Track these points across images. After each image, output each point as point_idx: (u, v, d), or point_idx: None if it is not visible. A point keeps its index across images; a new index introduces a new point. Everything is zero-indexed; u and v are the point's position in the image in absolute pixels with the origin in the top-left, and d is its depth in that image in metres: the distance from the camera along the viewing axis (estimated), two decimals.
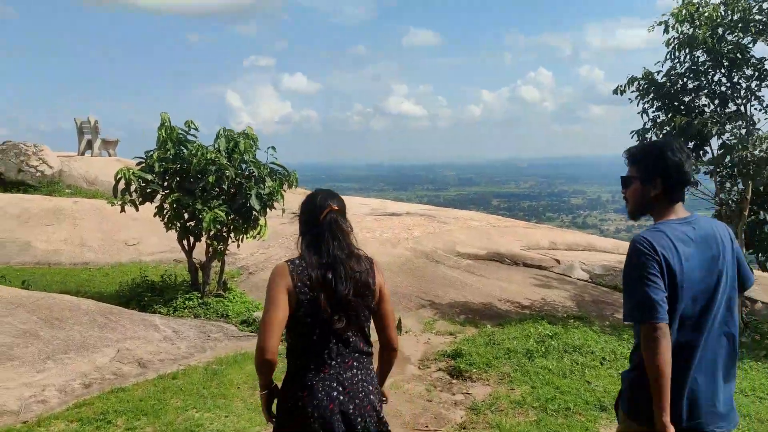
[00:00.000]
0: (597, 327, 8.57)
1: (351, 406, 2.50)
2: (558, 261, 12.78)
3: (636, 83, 9.15)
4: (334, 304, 2.52)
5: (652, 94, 9.03)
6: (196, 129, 8.62)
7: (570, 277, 12.37)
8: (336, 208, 2.69)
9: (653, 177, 2.52)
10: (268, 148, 8.66)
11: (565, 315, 9.66)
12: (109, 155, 20.54)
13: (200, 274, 8.90)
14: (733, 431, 2.54)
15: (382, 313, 2.69)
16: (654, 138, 9.28)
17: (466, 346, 7.33)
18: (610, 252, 14.57)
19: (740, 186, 9.16)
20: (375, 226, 13.70)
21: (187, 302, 8.53)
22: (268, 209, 8.57)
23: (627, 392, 2.54)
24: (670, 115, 8.94)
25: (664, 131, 8.97)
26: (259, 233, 8.66)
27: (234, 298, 8.91)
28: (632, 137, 9.54)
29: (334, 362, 2.53)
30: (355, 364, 2.58)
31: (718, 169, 8.92)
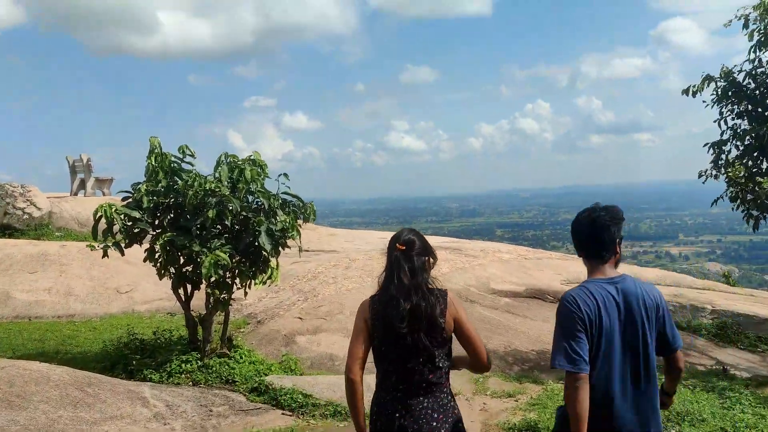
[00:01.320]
0: (692, 381, 6.94)
1: (410, 430, 2.68)
2: None
3: (712, 84, 7.69)
4: (391, 335, 2.72)
5: (732, 98, 7.56)
6: (192, 155, 7.13)
7: None
8: (402, 247, 2.82)
9: (575, 244, 2.92)
10: (279, 176, 7.16)
11: None
12: (104, 194, 19.11)
13: (200, 329, 7.31)
14: None
15: (465, 340, 2.80)
16: (733, 150, 7.80)
17: (538, 415, 5.73)
18: (656, 283, 12.99)
19: None
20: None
21: (184, 365, 6.91)
22: (280, 248, 7.03)
23: (558, 427, 2.86)
24: (754, 124, 7.46)
25: (746, 143, 7.47)
26: (269, 277, 7.11)
27: (241, 357, 7.30)
28: (708, 151, 8.05)
29: (402, 386, 2.73)
30: (421, 392, 2.73)
31: None
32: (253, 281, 7.15)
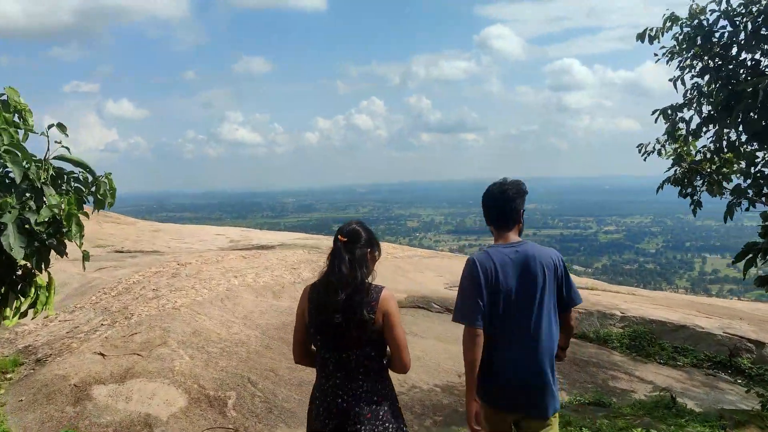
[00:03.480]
0: (646, 419, 4.97)
1: (351, 413, 2.70)
2: None
3: (676, 26, 5.78)
4: (325, 326, 2.74)
5: (698, 47, 5.68)
6: None
7: None
8: (343, 239, 2.79)
9: (484, 214, 3.16)
10: (49, 127, 4.03)
11: (580, 399, 6.00)
12: None
13: None
14: (552, 416, 3.02)
15: (389, 340, 2.78)
16: (694, 115, 5.99)
17: None
18: None
19: None
20: (244, 267, 9.21)
21: None
22: (51, 254, 3.93)
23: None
24: (721, 82, 5.63)
25: (719, 106, 5.61)
26: (33, 305, 3.98)
27: None
28: (657, 119, 6.17)
29: (340, 373, 2.75)
30: (360, 377, 2.75)
31: None
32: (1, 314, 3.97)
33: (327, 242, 12.49)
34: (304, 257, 10.21)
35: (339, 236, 2.80)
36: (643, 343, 8.45)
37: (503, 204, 3.06)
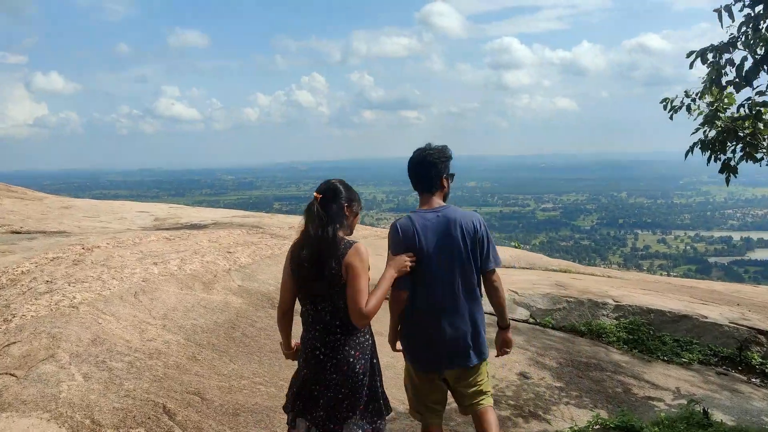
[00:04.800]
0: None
1: (329, 364, 2.79)
2: None
3: None
4: (302, 280, 2.86)
5: None
6: None
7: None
8: (317, 195, 2.86)
9: (410, 179, 3.26)
10: None
11: (602, 422, 4.65)
12: None
13: None
14: (477, 364, 3.18)
15: (348, 289, 2.77)
16: (747, 56, 4.62)
17: None
18: (524, 268, 9.95)
19: None
20: (167, 251, 7.43)
21: None
22: None
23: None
24: None
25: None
26: None
27: None
28: (694, 63, 4.78)
29: (318, 326, 2.85)
30: (338, 330, 2.81)
31: None
32: None
33: (269, 221, 10.78)
34: (242, 239, 8.49)
35: (315, 193, 2.85)
36: (643, 337, 7.20)
37: (426, 169, 3.16)
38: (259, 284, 6.90)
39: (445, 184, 3.23)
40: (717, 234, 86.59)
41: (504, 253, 10.73)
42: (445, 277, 3.05)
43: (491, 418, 3.23)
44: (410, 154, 3.32)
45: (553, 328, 7.37)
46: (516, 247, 16.78)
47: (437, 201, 3.18)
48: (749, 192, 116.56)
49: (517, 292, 7.69)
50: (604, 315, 7.52)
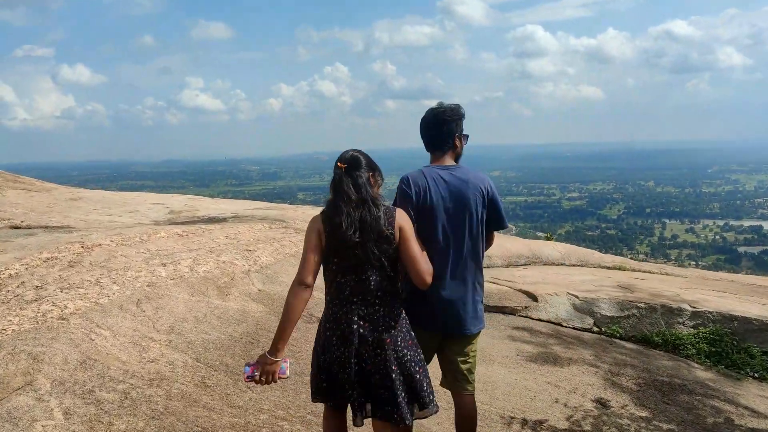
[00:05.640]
0: None
1: (371, 338, 2.60)
2: (531, 295, 6.69)
3: None
4: (342, 247, 2.61)
5: None
6: None
7: (567, 326, 6.35)
8: (341, 165, 2.73)
9: (422, 137, 3.18)
10: None
11: None
12: None
13: None
14: (475, 334, 3.09)
15: (404, 254, 2.69)
16: None
17: None
18: (575, 265, 8.88)
19: None
20: (178, 249, 6.49)
21: None
22: None
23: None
24: None
25: None
26: None
27: None
28: None
29: (356, 298, 2.64)
30: (377, 301, 2.65)
31: None
32: None
33: (293, 213, 9.81)
34: (264, 234, 7.52)
35: (338, 163, 2.74)
36: (727, 350, 6.12)
37: (438, 126, 3.08)
38: (282, 288, 5.94)
39: (458, 143, 3.15)
40: (747, 223, 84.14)
41: (551, 248, 9.64)
42: (453, 238, 2.97)
43: (474, 410, 3.19)
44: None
45: (621, 338, 6.32)
46: (548, 239, 15.69)
47: (449, 160, 3.12)
48: None
49: (577, 296, 6.62)
50: (679, 323, 6.43)
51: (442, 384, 3.24)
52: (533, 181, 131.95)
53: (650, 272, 9.52)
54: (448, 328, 3.02)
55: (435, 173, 3.01)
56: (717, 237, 78.42)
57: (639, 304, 6.48)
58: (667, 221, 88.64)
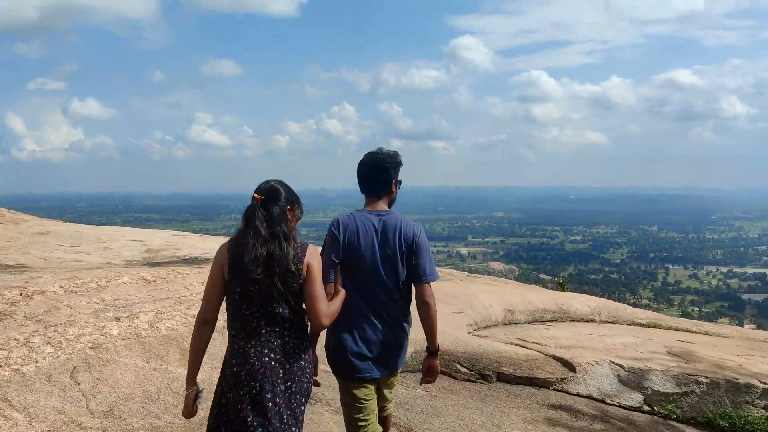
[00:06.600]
0: None
1: (281, 371, 2.52)
2: (567, 363, 5.46)
3: None
4: (248, 282, 2.54)
5: None
6: None
7: (612, 403, 5.11)
8: (258, 197, 2.65)
9: (359, 182, 3.12)
10: None
11: None
12: None
13: None
14: (399, 372, 3.17)
15: (306, 291, 2.60)
16: None
17: None
18: (606, 322, 7.67)
19: None
20: (140, 298, 5.28)
21: None
22: None
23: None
24: None
25: None
26: None
27: None
28: None
29: (264, 330, 2.55)
30: (285, 333, 2.58)
31: None
32: None
33: None
34: None
35: (255, 195, 2.67)
36: None
37: (375, 172, 3.07)
38: None
39: (394, 189, 3.15)
40: (750, 270, 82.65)
41: (580, 302, 8.41)
42: (379, 282, 2.97)
43: (389, 424, 3.28)
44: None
45: (678, 420, 5.07)
46: (561, 285, 14.40)
47: (382, 205, 3.11)
48: None
49: (623, 366, 5.40)
50: (748, 402, 5.20)
51: None
52: (537, 223, 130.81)
53: (689, 330, 8.30)
54: (382, 368, 3.00)
55: (365, 218, 3.02)
56: (720, 284, 76.92)
57: (699, 378, 5.25)
58: (671, 266, 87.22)
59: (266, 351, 2.52)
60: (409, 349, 5.25)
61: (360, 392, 2.94)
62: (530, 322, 7.30)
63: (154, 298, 5.28)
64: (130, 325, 4.64)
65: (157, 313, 4.91)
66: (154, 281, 5.69)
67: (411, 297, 3.07)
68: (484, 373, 5.16)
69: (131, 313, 4.85)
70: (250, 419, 2.45)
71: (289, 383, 2.53)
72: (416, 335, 5.34)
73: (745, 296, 68.56)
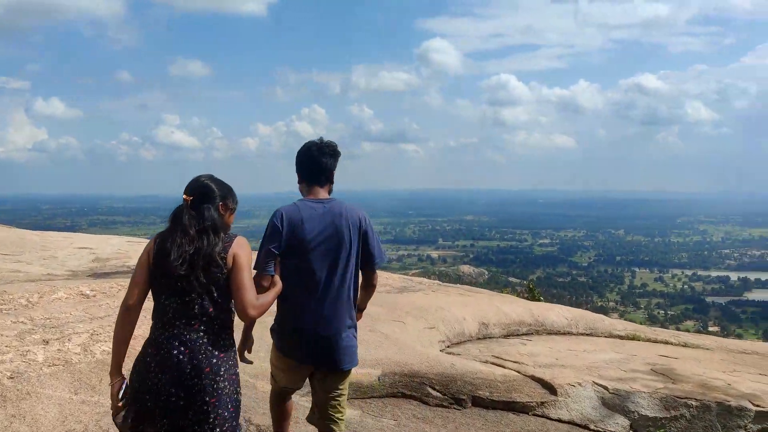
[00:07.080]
0: None
1: (189, 367, 2.42)
2: (547, 385, 5.03)
3: None
4: (169, 275, 2.48)
5: None
6: None
7: (596, 429, 4.70)
8: (187, 198, 2.60)
9: (297, 170, 3.12)
10: None
11: None
12: None
13: None
14: (345, 371, 2.99)
15: (232, 281, 2.50)
16: None
17: None
18: (583, 334, 7.28)
19: None
20: (75, 317, 4.68)
21: None
22: None
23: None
24: None
25: None
26: None
27: None
28: None
29: (179, 321, 2.47)
30: (202, 327, 2.48)
31: None
32: None
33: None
34: None
35: (184, 195, 2.61)
36: None
37: (318, 160, 3.05)
38: None
39: (333, 179, 3.13)
40: (714, 273, 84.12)
41: (556, 313, 8.01)
42: (327, 272, 2.91)
43: None
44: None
45: None
46: (531, 291, 13.85)
47: (324, 193, 3.07)
48: (746, 232, 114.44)
49: (607, 388, 4.99)
50: (740, 427, 4.84)
51: (308, 419, 3.19)
52: (506, 226, 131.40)
53: (668, 342, 7.98)
54: (320, 363, 2.95)
55: (310, 206, 2.98)
56: (685, 286, 78.10)
57: (688, 402, 4.87)
58: (637, 270, 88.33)
59: (176, 344, 2.43)
60: (376, 372, 4.81)
61: (288, 363, 2.97)
62: (505, 336, 6.88)
63: (91, 316, 4.69)
64: (59, 349, 4.06)
65: (92, 335, 4.33)
66: (94, 296, 5.10)
67: (358, 284, 3.02)
68: (458, 397, 4.69)
69: (62, 334, 4.27)
70: (150, 405, 2.40)
71: (196, 380, 2.41)
72: (382, 356, 4.88)
73: (709, 299, 69.66)
